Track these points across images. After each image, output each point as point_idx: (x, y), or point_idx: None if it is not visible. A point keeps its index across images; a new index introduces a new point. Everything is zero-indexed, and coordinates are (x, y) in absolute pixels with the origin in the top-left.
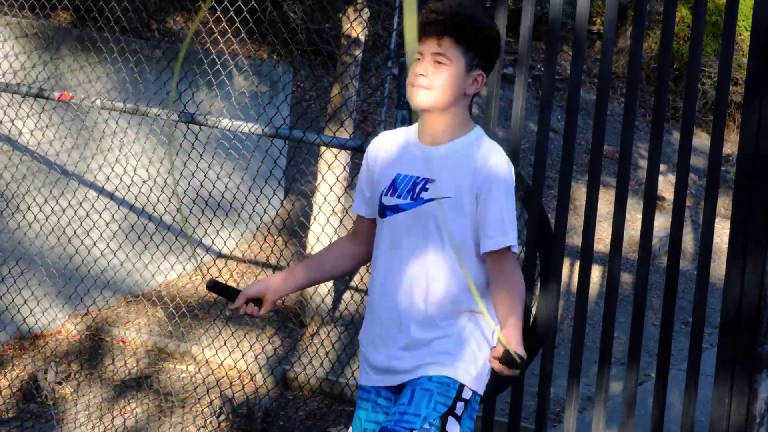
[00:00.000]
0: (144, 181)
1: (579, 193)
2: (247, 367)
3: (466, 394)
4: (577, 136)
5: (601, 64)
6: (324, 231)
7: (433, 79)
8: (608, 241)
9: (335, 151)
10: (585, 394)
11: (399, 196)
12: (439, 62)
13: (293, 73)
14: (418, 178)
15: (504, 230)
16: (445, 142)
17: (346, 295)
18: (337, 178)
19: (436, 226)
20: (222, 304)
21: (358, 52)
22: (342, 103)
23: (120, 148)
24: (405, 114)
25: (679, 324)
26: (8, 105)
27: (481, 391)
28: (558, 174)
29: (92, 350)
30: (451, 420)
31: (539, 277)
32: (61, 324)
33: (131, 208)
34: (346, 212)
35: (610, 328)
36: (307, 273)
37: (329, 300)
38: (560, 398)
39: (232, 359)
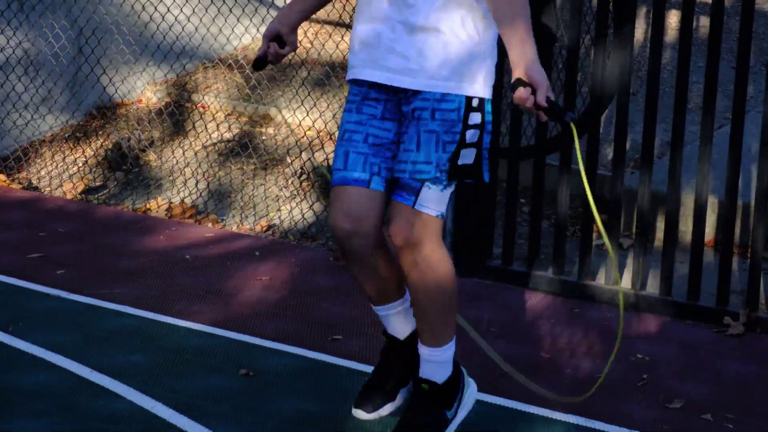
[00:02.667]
0: None
1: None
2: (326, 126)
3: (475, 118)
4: None
5: None
6: None
7: None
8: None
9: None
10: (663, 140)
11: None
12: None
13: None
14: None
15: None
16: None
17: None
18: None
19: None
20: (297, 65)
21: None
22: None
23: None
24: None
25: (758, 65)
26: None
27: (489, 95)
28: None
29: (173, 117)
30: (464, 152)
31: (612, 24)
32: (141, 92)
33: None
34: None
35: (686, 70)
36: None
37: None
38: (637, 144)
39: (310, 119)
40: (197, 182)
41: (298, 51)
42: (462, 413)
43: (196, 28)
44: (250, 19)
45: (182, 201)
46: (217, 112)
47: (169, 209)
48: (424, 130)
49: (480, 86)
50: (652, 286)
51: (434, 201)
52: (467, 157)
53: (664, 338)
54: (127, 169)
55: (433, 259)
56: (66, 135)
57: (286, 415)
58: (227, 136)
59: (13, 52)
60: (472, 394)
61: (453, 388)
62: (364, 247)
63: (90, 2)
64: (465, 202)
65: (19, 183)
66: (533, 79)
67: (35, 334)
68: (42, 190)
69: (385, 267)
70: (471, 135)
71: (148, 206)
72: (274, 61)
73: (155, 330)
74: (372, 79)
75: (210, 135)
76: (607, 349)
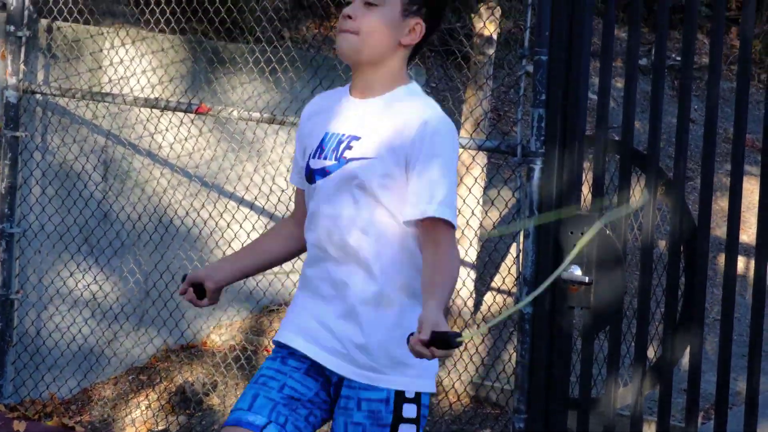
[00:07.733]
0: (283, 191)
1: (717, 183)
2: None
3: (410, 411)
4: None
5: (741, 49)
6: (464, 233)
7: (361, 22)
8: (752, 231)
9: (472, 152)
10: (734, 389)
11: (325, 158)
12: (370, 3)
13: (426, 75)
14: (343, 135)
15: (430, 198)
16: (376, 96)
17: (488, 297)
18: (476, 180)
19: (362, 190)
20: None
21: (491, 51)
22: (477, 104)
23: (258, 158)
24: (541, 113)
25: None
26: (148, 120)
27: (429, 388)
28: (696, 165)
29: (238, 360)
30: None
31: (684, 272)
32: (206, 335)
33: (271, 217)
34: (486, 213)
35: (759, 321)
36: (251, 258)
37: (471, 303)
38: (709, 394)
39: None
40: None
41: None
42: None
43: (264, 274)
44: None
45: None
46: None
47: None
48: (350, 422)
49: (415, 373)
50: None
51: None
52: None
53: None
54: (190, 413)
55: None
56: (130, 377)
57: None
58: None
59: (81, 295)
60: None
61: None
62: None
63: (159, 246)
64: None
65: (81, 426)
66: (419, 324)
67: None
68: None
69: None
70: (406, 430)
71: None
72: (187, 298)
73: None
74: (298, 348)
75: None
76: None
